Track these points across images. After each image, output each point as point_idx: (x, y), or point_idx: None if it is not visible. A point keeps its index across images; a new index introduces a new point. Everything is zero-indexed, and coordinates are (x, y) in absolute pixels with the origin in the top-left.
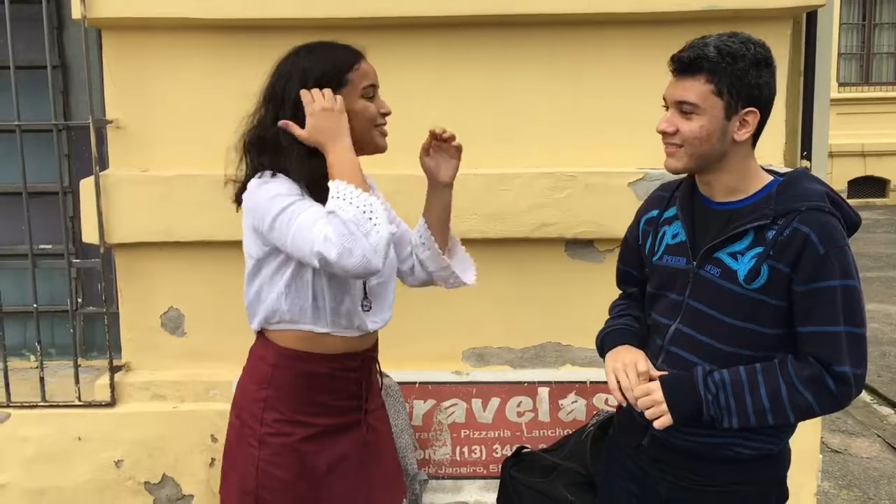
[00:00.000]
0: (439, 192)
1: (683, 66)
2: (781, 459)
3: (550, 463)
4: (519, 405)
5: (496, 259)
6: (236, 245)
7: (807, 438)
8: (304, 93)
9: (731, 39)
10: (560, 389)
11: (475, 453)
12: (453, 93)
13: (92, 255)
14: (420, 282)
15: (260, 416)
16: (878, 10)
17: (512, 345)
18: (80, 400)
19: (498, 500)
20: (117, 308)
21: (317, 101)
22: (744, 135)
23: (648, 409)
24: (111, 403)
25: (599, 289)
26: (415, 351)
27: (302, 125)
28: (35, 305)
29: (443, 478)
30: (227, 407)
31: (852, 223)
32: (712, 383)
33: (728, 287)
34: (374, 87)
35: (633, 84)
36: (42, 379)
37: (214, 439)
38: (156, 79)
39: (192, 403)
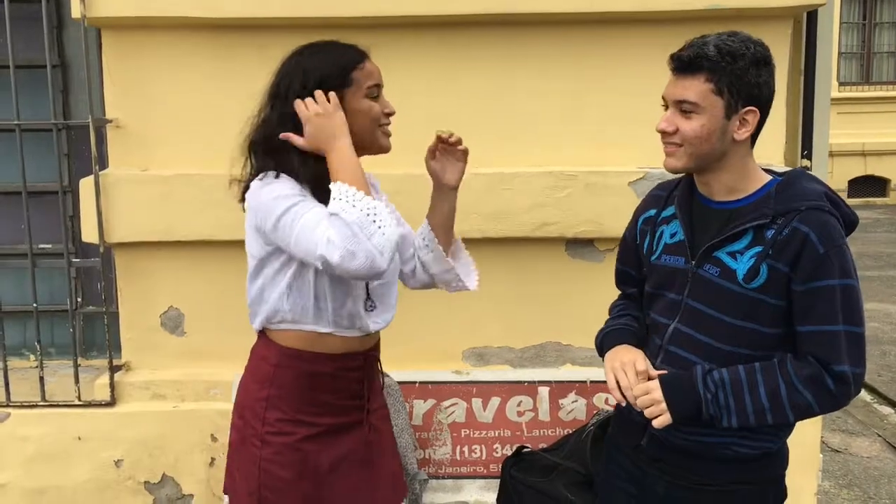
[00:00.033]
0: (444, 196)
1: (683, 64)
2: (780, 458)
3: (550, 462)
4: (519, 405)
5: (496, 258)
6: (236, 244)
7: (807, 438)
8: (297, 103)
9: (731, 38)
10: (560, 389)
11: (475, 453)
12: (453, 92)
13: (92, 254)
14: (422, 284)
15: (262, 416)
16: (878, 10)
17: (512, 344)
18: (79, 399)
19: (498, 499)
20: (117, 307)
21: (310, 108)
22: (743, 134)
23: (647, 407)
24: (111, 403)
25: (600, 288)
26: (415, 350)
27: (302, 125)
28: (35, 305)
29: (443, 477)
30: (228, 406)
31: (850, 223)
32: (711, 382)
33: (727, 286)
34: (379, 86)
35: (633, 83)
36: (42, 378)
37: (214, 439)
38: (156, 78)
39: (192, 403)
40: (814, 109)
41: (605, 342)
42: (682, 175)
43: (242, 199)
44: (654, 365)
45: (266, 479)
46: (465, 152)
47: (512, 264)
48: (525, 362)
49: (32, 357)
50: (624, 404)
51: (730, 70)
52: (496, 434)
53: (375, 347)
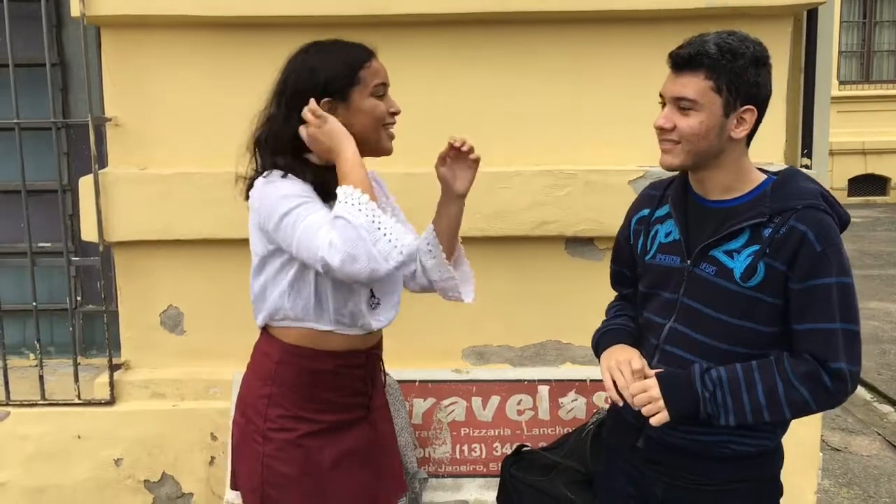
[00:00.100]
0: (452, 202)
1: (683, 61)
2: (777, 456)
3: (550, 461)
4: (519, 403)
5: (496, 257)
6: (236, 243)
7: (807, 436)
8: (301, 129)
9: (731, 37)
10: (560, 388)
11: (475, 451)
12: (453, 91)
13: (91, 253)
14: (421, 288)
15: (264, 413)
16: (878, 8)
17: (512, 343)
18: (79, 398)
19: (498, 498)
20: (116, 306)
21: (310, 125)
22: (741, 133)
23: (645, 406)
24: (111, 402)
25: (599, 287)
26: (415, 349)
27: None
28: (34, 304)
29: (443, 476)
30: (228, 405)
31: (843, 222)
32: (709, 381)
33: (724, 285)
34: (385, 85)
35: (633, 82)
36: (41, 377)
37: (214, 437)
38: (155, 77)
39: (191, 402)
40: (814, 108)
41: (600, 342)
42: (674, 174)
43: (247, 197)
44: (650, 364)
45: (269, 475)
46: (477, 160)
47: (512, 263)
48: (525, 361)
49: (32, 356)
50: (621, 404)
51: (729, 68)
52: (496, 433)
53: (378, 346)
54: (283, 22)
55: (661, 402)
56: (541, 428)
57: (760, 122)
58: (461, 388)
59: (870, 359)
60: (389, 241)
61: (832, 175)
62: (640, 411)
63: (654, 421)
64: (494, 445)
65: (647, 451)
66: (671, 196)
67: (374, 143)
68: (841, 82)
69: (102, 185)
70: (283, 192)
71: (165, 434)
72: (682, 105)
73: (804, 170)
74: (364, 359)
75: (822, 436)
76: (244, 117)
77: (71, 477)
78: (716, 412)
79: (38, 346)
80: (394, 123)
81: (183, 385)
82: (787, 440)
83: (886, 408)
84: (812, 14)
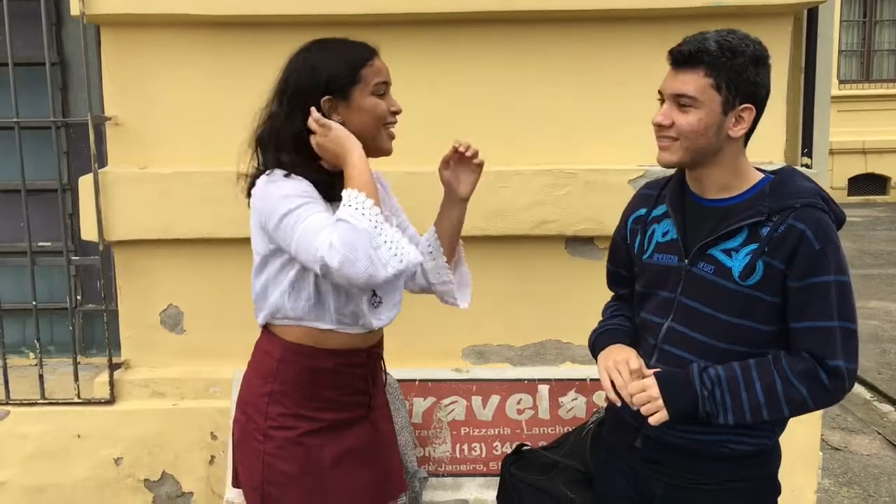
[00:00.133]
0: (455, 205)
1: (683, 58)
2: (774, 455)
3: (550, 460)
4: (519, 402)
5: (496, 256)
6: (235, 242)
7: (807, 436)
8: (311, 139)
9: (731, 35)
10: (560, 387)
11: (475, 451)
12: (454, 90)
13: (91, 252)
14: (420, 288)
15: (265, 411)
16: (878, 7)
17: (512, 342)
18: (79, 397)
19: (498, 497)
20: (116, 305)
21: (317, 134)
22: (739, 131)
23: (644, 405)
24: (110, 401)
25: (599, 286)
26: (415, 348)
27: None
28: (34, 303)
29: (443, 475)
30: (227, 404)
31: (839, 220)
32: (708, 379)
33: (722, 284)
34: (386, 84)
35: (633, 81)
36: (41, 376)
37: (214, 437)
38: (155, 76)
39: (191, 401)
40: (814, 107)
41: (597, 342)
42: (670, 175)
43: (248, 195)
44: (648, 364)
45: (269, 473)
46: (481, 165)
47: (512, 262)
48: (525, 360)
49: (32, 355)
50: (619, 404)
51: (729, 66)
52: (496, 432)
53: (379, 344)
54: (282, 21)
55: (660, 402)
56: (541, 427)
57: (758, 121)
58: (461, 388)
59: (870, 358)
60: (390, 248)
61: (832, 174)
62: (638, 411)
63: (652, 420)
64: (494, 444)
65: (646, 451)
66: (668, 195)
67: (373, 142)
68: (841, 81)
69: (102, 184)
70: (284, 191)
71: (165, 433)
72: (682, 102)
73: (804, 169)
74: (365, 357)
75: (821, 435)
76: (244, 116)
77: (71, 476)
78: (714, 411)
79: (37, 345)
80: (395, 123)
81: (183, 384)
82: (786, 439)
83: (886, 407)
84: (812, 13)
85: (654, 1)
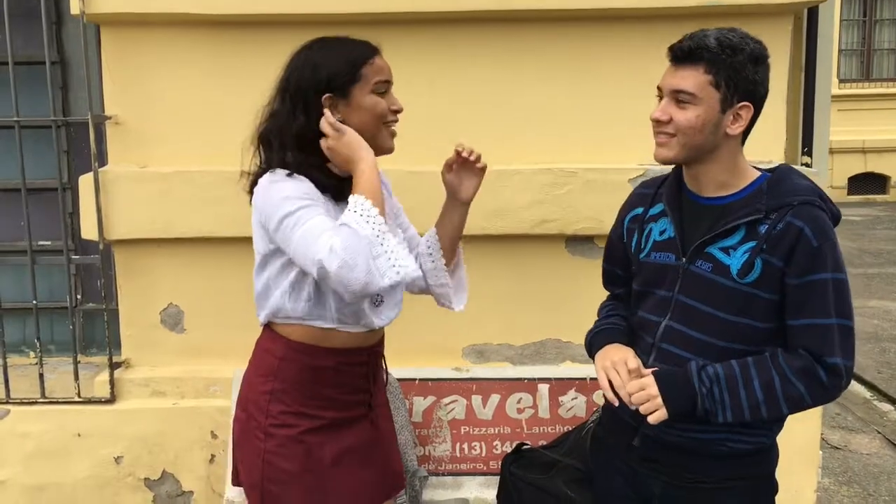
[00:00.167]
0: (457, 208)
1: (683, 54)
2: (772, 453)
3: (550, 459)
4: (519, 402)
5: (496, 255)
6: (236, 241)
7: (807, 435)
8: (322, 142)
9: (732, 33)
10: (560, 386)
11: (475, 450)
12: (454, 89)
13: (91, 251)
14: (418, 289)
15: (266, 408)
16: (878, 7)
17: (512, 341)
18: (79, 396)
19: (498, 496)
20: (117, 304)
21: (330, 138)
22: (736, 129)
23: (643, 404)
24: (111, 400)
25: (600, 285)
26: (415, 347)
27: (312, 119)
28: (34, 302)
29: (443, 474)
30: (228, 403)
31: (835, 218)
32: (706, 377)
33: (720, 282)
34: (387, 83)
35: (633, 80)
36: (41, 375)
37: (214, 436)
38: (155, 75)
39: (191, 400)
40: (814, 106)
41: (594, 342)
42: (666, 174)
43: (250, 192)
44: (646, 363)
45: (269, 471)
46: (483, 168)
47: (512, 261)
48: (525, 359)
49: (32, 354)
50: (616, 404)
51: (729, 63)
52: (496, 431)
53: (380, 343)
54: (282, 20)
55: (659, 400)
56: (541, 426)
57: (756, 120)
58: (461, 387)
59: (870, 357)
60: (389, 258)
61: (832, 173)
62: (637, 410)
63: (651, 419)
64: (494, 443)
65: (644, 450)
66: (665, 194)
67: (374, 140)
68: (841, 80)
69: (102, 183)
70: (285, 193)
71: (166, 432)
72: (680, 98)
73: (803, 168)
74: (366, 356)
75: (821, 434)
76: (245, 115)
77: (71, 475)
78: (713, 409)
79: (38, 344)
80: (395, 121)
81: (183, 383)
82: (786, 438)
83: (886, 406)
84: (812, 12)
85: (655, 0)
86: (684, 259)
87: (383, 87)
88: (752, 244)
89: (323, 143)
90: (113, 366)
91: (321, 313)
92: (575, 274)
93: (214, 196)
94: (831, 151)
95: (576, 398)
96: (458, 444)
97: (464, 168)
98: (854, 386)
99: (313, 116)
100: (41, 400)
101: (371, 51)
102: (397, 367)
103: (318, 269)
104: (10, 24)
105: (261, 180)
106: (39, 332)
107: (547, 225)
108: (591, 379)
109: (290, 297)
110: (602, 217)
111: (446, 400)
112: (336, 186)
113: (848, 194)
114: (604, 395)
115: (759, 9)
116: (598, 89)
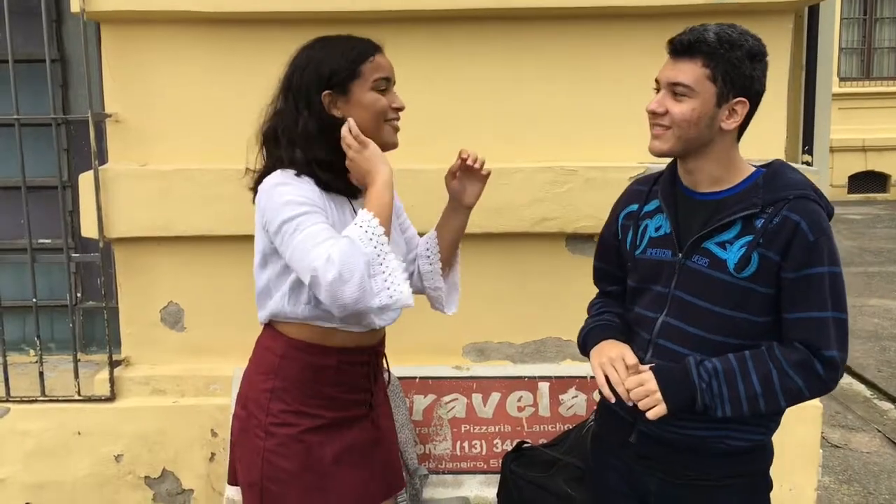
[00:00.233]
0: (458, 214)
1: (682, 47)
2: (768, 451)
3: (551, 458)
4: (519, 400)
5: (496, 254)
6: (236, 239)
7: (807, 434)
8: (344, 147)
9: (731, 29)
10: (560, 384)
11: (475, 448)
12: (454, 87)
13: (91, 249)
14: (415, 289)
15: (266, 407)
16: (879, 5)
17: (512, 340)
18: (79, 394)
19: (498, 494)
20: (117, 302)
21: (351, 148)
22: (731, 124)
23: (642, 399)
24: (111, 398)
25: None
26: (415, 346)
27: (315, 117)
28: (34, 300)
29: (443, 472)
30: (228, 402)
31: (829, 213)
32: (705, 372)
33: (717, 276)
34: (388, 80)
35: (633, 78)
36: (41, 373)
37: (214, 434)
38: (155, 73)
39: (192, 398)
40: (815, 105)
41: (588, 339)
42: (661, 170)
43: (253, 189)
44: (643, 359)
45: (269, 470)
46: (487, 174)
47: (512, 259)
48: (525, 357)
49: (32, 352)
50: (613, 400)
51: (726, 58)
52: (496, 429)
53: (381, 343)
54: (282, 17)
55: (659, 395)
56: (541, 424)
57: (752, 116)
58: (462, 385)
59: (870, 356)
60: (385, 280)
61: (832, 172)
62: (634, 406)
63: (651, 414)
64: (495, 442)
65: (640, 447)
66: (660, 190)
67: (376, 137)
68: (841, 79)
69: (102, 181)
70: (287, 197)
71: (166, 430)
72: (677, 91)
73: (804, 166)
74: (367, 356)
75: (822, 433)
76: (245, 113)
77: (71, 473)
78: (712, 403)
79: (38, 342)
80: (397, 119)
81: (183, 381)
82: (787, 437)
83: (886, 405)
84: (813, 11)
85: None
86: (681, 255)
87: (383, 85)
88: (748, 238)
89: (346, 152)
90: (113, 364)
91: (321, 315)
92: (575, 272)
93: (215, 194)
94: (832, 150)
95: (576, 396)
96: (458, 443)
97: (467, 174)
98: (854, 384)
99: (316, 114)
100: (41, 398)
101: (372, 48)
102: (398, 365)
103: (311, 276)
104: (11, 22)
105: (265, 180)
106: (39, 331)
107: (547, 223)
108: (592, 377)
109: (290, 300)
110: (602, 215)
111: (447, 398)
112: (342, 183)
113: (848, 193)
114: (599, 392)
115: (760, 7)
116: (598, 87)
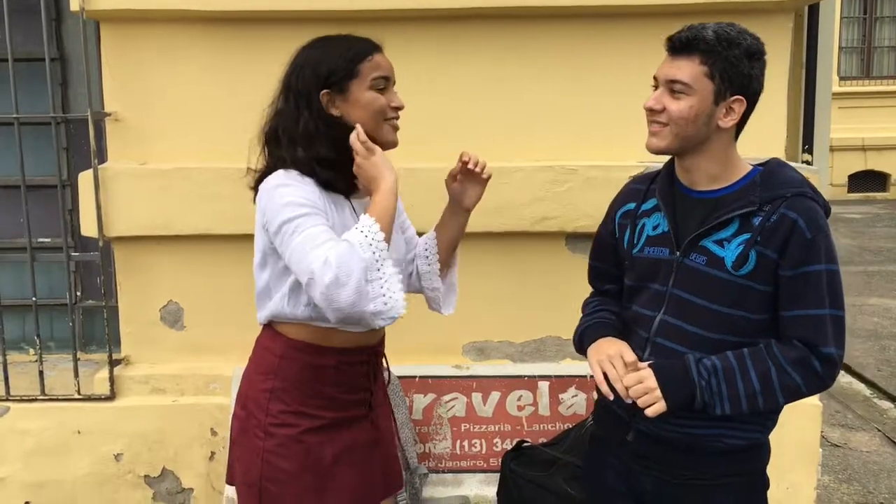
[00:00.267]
0: (458, 216)
1: (681, 45)
2: (766, 450)
3: (550, 457)
4: (519, 399)
5: (496, 253)
6: (235, 238)
7: (807, 433)
8: (355, 156)
9: (730, 27)
10: (560, 383)
11: (475, 447)
12: (454, 86)
13: (91, 248)
14: (412, 289)
15: (266, 407)
16: (878, 4)
17: (512, 339)
18: (79, 393)
19: (498, 493)
20: (116, 301)
21: (359, 154)
22: (728, 122)
23: (641, 396)
24: (111, 397)
25: None
26: (415, 345)
27: (315, 117)
28: (34, 299)
29: (443, 471)
30: (227, 401)
31: (826, 210)
32: (704, 369)
33: (715, 274)
34: (387, 79)
35: (633, 77)
36: (41, 372)
37: (214, 433)
38: (154, 71)
39: (191, 397)
40: (815, 104)
41: (584, 337)
42: (658, 169)
43: (254, 188)
44: (641, 358)
45: (268, 470)
46: (488, 177)
47: (512, 259)
48: (525, 357)
49: (32, 351)
50: (611, 398)
51: (724, 56)
52: (496, 428)
53: (381, 343)
54: (281, 16)
55: (658, 393)
56: (541, 423)
57: (749, 115)
58: (461, 384)
59: (869, 355)
60: (381, 286)
61: (832, 171)
62: (632, 404)
63: (650, 412)
64: (495, 441)
65: (637, 445)
66: (658, 189)
67: (375, 136)
68: (841, 78)
69: (102, 179)
70: (288, 198)
71: (165, 429)
72: (674, 88)
73: (804, 165)
74: (367, 356)
75: (821, 432)
76: (244, 112)
77: (71, 472)
78: (711, 401)
79: (37, 341)
80: (397, 118)
81: (183, 380)
82: (787, 436)
83: (886, 404)
84: (813, 10)
85: None
86: (678, 253)
87: (382, 84)
88: (746, 236)
89: (355, 156)
90: (113, 363)
91: (321, 316)
92: (575, 271)
93: (214, 193)
94: (831, 149)
95: (576, 396)
96: (458, 442)
97: (468, 177)
98: (854, 383)
99: (316, 113)
100: (41, 397)
101: (371, 48)
102: (398, 364)
103: (308, 278)
104: (10, 21)
105: (267, 180)
106: (39, 330)
107: (547, 222)
108: (592, 376)
109: (290, 301)
110: (602, 215)
111: (446, 397)
112: (344, 182)
113: (848, 192)
114: (597, 389)
115: (760, 6)
116: (598, 86)
